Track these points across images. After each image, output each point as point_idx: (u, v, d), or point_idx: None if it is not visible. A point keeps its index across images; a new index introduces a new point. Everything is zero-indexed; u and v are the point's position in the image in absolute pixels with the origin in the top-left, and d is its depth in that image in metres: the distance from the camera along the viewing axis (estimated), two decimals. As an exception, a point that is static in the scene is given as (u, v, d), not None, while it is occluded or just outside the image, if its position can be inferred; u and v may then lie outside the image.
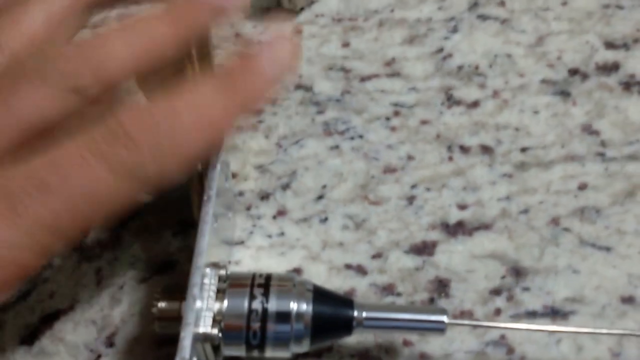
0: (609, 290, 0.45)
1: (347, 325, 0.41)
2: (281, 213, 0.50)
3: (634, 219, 0.48)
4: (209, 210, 0.39)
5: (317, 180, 0.51)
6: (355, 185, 0.51)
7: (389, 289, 0.46)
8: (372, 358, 0.44)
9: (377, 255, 0.47)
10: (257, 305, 0.39)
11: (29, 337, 0.45)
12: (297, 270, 0.47)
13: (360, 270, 0.47)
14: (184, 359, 0.35)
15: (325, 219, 0.49)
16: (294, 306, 0.39)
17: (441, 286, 0.46)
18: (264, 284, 0.40)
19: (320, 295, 0.41)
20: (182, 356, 0.35)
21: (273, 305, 0.39)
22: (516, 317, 0.45)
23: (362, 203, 0.50)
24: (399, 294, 0.46)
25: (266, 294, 0.39)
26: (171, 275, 0.47)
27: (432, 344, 0.44)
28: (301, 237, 0.49)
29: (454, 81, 0.55)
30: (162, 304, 0.40)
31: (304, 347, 0.40)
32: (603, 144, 0.51)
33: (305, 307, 0.40)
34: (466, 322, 0.43)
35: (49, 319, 0.46)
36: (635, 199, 0.49)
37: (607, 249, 0.47)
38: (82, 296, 0.47)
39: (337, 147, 0.52)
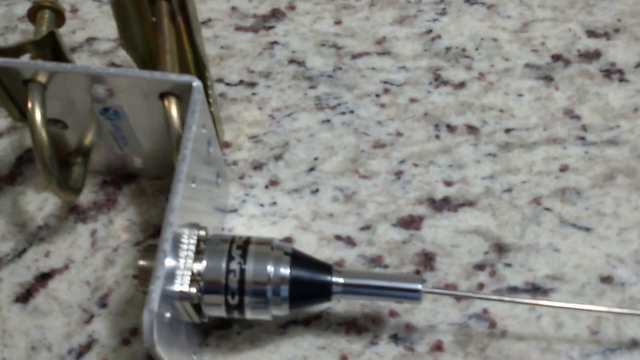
0: (588, 270, 0.44)
1: (325, 291, 0.39)
2: (273, 183, 0.48)
3: (612, 201, 0.47)
4: (183, 169, 0.36)
5: (308, 152, 0.49)
6: (345, 159, 0.49)
7: (376, 261, 0.44)
8: (359, 327, 0.42)
9: (365, 228, 0.46)
10: (234, 266, 0.37)
11: (24, 296, 0.43)
12: (288, 240, 0.45)
13: (349, 241, 0.45)
14: (152, 312, 0.32)
15: (316, 191, 0.47)
16: (271, 269, 0.38)
17: (427, 259, 0.44)
18: (243, 246, 0.38)
19: (298, 259, 0.39)
20: (150, 308, 0.32)
21: (250, 267, 0.37)
22: (498, 292, 0.43)
23: (352, 176, 0.48)
24: (386, 266, 0.44)
25: (244, 256, 0.38)
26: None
27: (417, 316, 0.42)
28: (292, 207, 0.47)
29: (441, 62, 0.53)
30: (141, 262, 0.38)
31: (283, 310, 0.38)
32: (584, 128, 0.50)
33: (283, 270, 0.38)
34: (440, 291, 0.41)
35: (44, 278, 0.44)
36: (614, 183, 0.47)
37: (587, 230, 0.45)
38: (77, 257, 0.45)
39: (328, 121, 0.50)
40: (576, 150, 0.49)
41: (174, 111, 0.39)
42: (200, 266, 0.37)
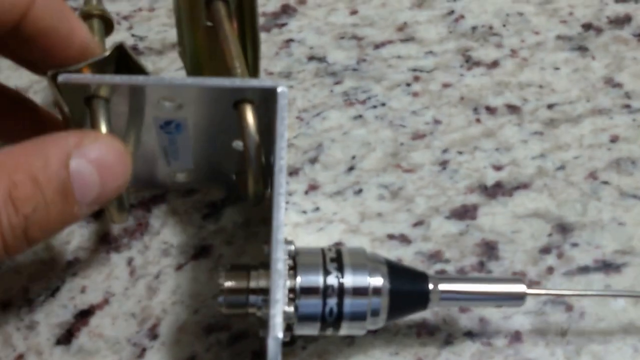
0: (658, 241, 0.44)
1: (423, 299, 0.38)
2: (313, 188, 0.47)
3: (671, 167, 0.47)
4: (283, 181, 0.36)
5: (345, 151, 0.49)
6: (385, 154, 0.48)
7: (436, 256, 0.44)
8: (431, 328, 0.42)
9: (418, 223, 0.46)
10: (332, 280, 0.37)
11: (65, 337, 0.42)
12: (339, 245, 0.45)
13: (404, 239, 0.45)
14: (277, 339, 0.32)
15: (360, 191, 0.47)
16: (370, 280, 0.37)
17: (489, 249, 0.44)
18: (336, 258, 0.38)
19: (394, 269, 0.38)
20: (275, 335, 0.32)
21: (349, 280, 0.37)
22: (569, 274, 0.43)
23: (395, 171, 0.48)
24: (447, 261, 0.44)
25: (340, 269, 0.37)
26: (209, 260, 0.44)
27: (489, 309, 0.42)
28: (337, 210, 0.46)
29: (470, 42, 0.53)
30: (228, 284, 0.38)
31: (379, 322, 0.38)
32: (627, 95, 0.50)
33: (382, 281, 0.37)
34: (544, 291, 0.41)
35: (84, 315, 0.43)
36: (669, 148, 0.48)
37: (649, 200, 0.46)
38: (117, 289, 0.44)
39: (360, 116, 0.50)
40: (623, 119, 0.49)
41: (250, 118, 0.38)
42: (295, 282, 0.37)
